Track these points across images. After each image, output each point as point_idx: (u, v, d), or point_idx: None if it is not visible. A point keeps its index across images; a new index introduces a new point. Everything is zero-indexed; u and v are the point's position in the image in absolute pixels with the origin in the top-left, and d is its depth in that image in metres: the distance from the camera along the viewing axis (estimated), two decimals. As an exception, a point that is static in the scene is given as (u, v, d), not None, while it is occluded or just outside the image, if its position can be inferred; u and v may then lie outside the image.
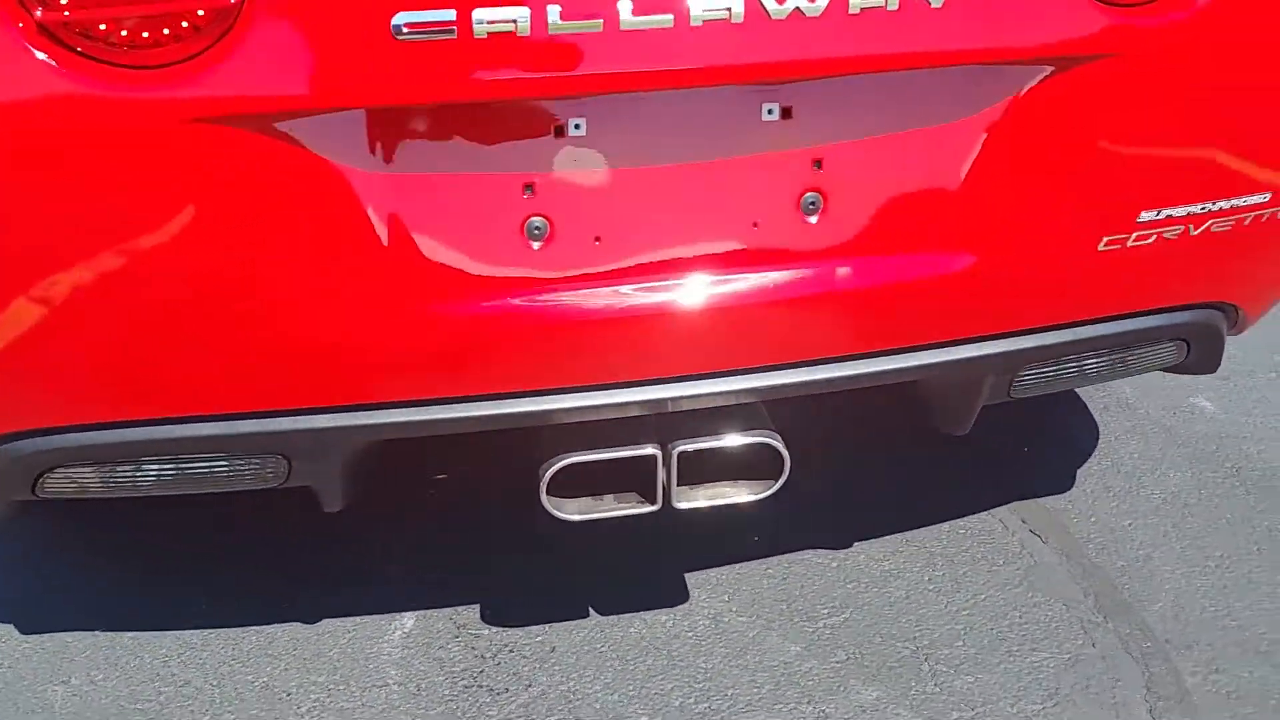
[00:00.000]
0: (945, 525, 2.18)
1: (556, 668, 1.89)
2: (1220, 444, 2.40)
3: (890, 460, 2.36)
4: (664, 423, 1.66)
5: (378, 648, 1.94)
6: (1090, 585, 2.03)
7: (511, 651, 1.93)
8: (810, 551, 2.12)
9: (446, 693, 1.85)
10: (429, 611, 2.01)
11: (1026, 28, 1.42)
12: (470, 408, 1.51)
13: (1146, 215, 1.59)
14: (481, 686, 1.86)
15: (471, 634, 1.96)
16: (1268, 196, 1.65)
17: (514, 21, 1.29)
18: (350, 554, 2.14)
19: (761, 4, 1.33)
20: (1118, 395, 2.57)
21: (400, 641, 1.95)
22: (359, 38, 1.28)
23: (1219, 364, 1.93)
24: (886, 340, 1.58)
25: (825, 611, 1.99)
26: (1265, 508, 2.21)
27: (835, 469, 2.31)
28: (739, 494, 1.71)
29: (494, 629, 1.97)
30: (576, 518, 1.68)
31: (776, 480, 1.70)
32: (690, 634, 1.95)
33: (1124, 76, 1.48)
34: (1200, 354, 1.85)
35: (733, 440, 1.65)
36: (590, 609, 2.01)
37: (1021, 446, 2.41)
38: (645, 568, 2.10)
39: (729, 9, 1.32)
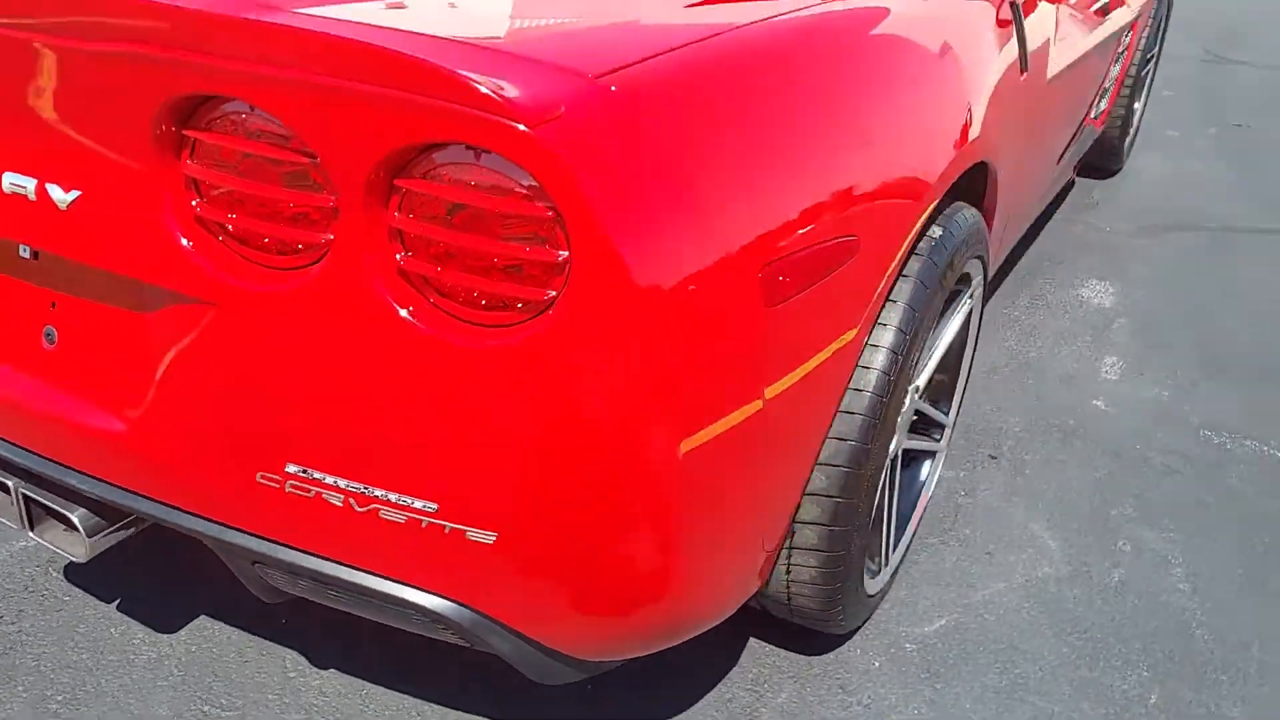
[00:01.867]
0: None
1: (42, 624, 2.30)
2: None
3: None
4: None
5: (-5, 545, 2.51)
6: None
7: (43, 594, 2.38)
8: (293, 655, 2.27)
9: (-27, 597, 2.37)
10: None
11: (123, 247, 1.54)
12: None
13: (293, 467, 1.58)
14: (-7, 605, 2.36)
15: (49, 564, 2.45)
16: (435, 507, 1.53)
17: None
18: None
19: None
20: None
21: (9, 547, 2.50)
22: None
23: (542, 678, 1.76)
24: (110, 473, 1.76)
25: (224, 704, 2.17)
26: None
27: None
28: (74, 549, 1.99)
29: (57, 577, 2.43)
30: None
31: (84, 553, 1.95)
32: (133, 655, 2.24)
33: (222, 324, 1.52)
34: (500, 651, 1.71)
35: (48, 503, 1.93)
36: (124, 595, 2.38)
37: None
38: (214, 588, 2.39)
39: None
